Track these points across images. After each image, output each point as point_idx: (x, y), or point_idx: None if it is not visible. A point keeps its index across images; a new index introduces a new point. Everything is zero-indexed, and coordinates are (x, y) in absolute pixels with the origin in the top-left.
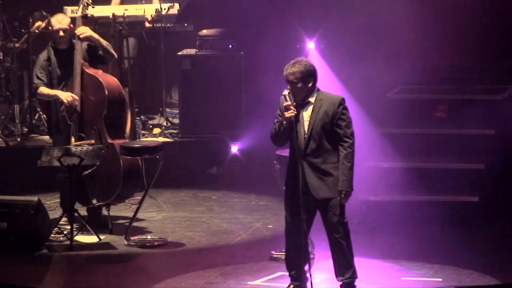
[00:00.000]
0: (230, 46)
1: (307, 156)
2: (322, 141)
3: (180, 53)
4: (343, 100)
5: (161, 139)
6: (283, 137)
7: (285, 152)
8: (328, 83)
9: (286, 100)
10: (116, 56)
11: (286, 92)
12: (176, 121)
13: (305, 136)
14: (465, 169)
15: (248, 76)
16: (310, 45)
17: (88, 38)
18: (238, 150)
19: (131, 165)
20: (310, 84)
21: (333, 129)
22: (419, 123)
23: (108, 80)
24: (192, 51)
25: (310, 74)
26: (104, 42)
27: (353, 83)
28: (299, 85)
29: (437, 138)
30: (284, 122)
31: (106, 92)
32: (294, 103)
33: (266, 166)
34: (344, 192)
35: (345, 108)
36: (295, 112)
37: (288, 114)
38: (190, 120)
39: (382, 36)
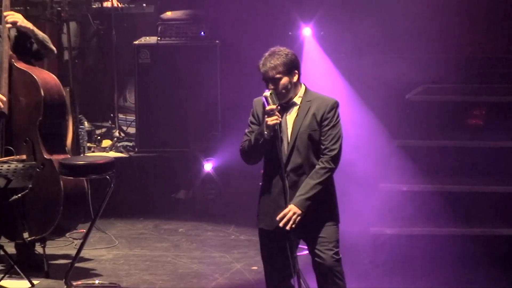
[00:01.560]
0: (202, 33)
1: (289, 174)
2: (308, 154)
3: (136, 42)
4: (336, 103)
5: (113, 154)
6: (260, 151)
7: None
8: (329, 81)
9: (267, 104)
10: (55, 52)
11: (267, 93)
12: (132, 130)
13: (288, 147)
14: (508, 193)
15: (225, 73)
16: (306, 31)
17: (19, 26)
18: (212, 168)
19: (74, 188)
20: (295, 78)
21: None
22: (449, 133)
23: (45, 77)
24: (152, 39)
25: (294, 65)
26: (40, 34)
27: (362, 80)
28: (284, 81)
29: (471, 152)
30: (265, 132)
31: (42, 93)
32: (279, 107)
33: (249, 189)
34: (294, 211)
35: (337, 115)
36: (280, 119)
37: (271, 121)
38: (149, 130)
39: (399, 20)
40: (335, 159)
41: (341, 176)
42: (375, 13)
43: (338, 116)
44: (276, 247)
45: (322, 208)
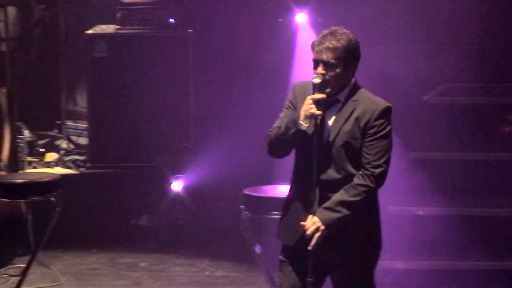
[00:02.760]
0: (171, 20)
1: (320, 187)
2: (345, 166)
3: (90, 31)
4: (388, 109)
5: (59, 171)
6: (288, 144)
7: (257, 191)
8: None
9: (314, 91)
10: None
11: (317, 79)
12: (83, 141)
13: (315, 153)
14: None
15: (199, 69)
16: (300, 18)
17: None
18: (182, 188)
19: (10, 212)
20: (351, 73)
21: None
22: (477, 144)
23: None
24: (109, 28)
25: (356, 56)
26: None
27: (368, 78)
28: (339, 70)
29: (505, 167)
30: (302, 123)
31: None
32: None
33: (228, 213)
34: (318, 225)
35: (387, 124)
36: (323, 113)
37: (316, 111)
38: (105, 140)
39: (415, 4)
40: (379, 178)
41: None
42: None
43: (388, 125)
44: (298, 269)
45: (361, 235)
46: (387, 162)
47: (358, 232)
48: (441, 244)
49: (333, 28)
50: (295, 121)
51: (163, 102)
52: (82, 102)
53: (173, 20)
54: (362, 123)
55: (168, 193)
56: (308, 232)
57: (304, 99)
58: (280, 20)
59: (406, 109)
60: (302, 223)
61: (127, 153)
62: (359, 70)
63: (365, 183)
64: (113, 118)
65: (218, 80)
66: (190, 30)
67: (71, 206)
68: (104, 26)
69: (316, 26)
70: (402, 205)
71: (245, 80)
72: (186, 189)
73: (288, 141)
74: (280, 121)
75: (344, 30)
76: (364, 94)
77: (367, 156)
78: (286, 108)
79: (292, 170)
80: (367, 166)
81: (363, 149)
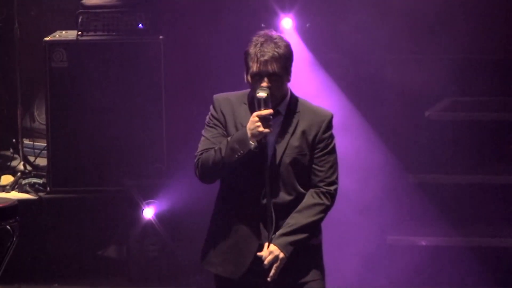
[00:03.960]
0: (141, 25)
1: (269, 213)
2: (294, 185)
3: (48, 38)
4: (332, 118)
5: (15, 195)
6: (229, 168)
7: None
8: (316, 89)
9: (260, 108)
10: None
11: (264, 94)
12: (43, 162)
13: (267, 173)
14: None
15: (172, 80)
16: (286, 23)
17: None
18: (155, 214)
19: None
20: (288, 81)
21: (311, 166)
22: (485, 165)
23: None
24: (70, 34)
25: (291, 61)
26: None
27: (362, 90)
28: (283, 80)
29: None
30: (252, 143)
31: None
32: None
33: None
34: (276, 254)
35: (333, 136)
36: (271, 130)
37: (265, 129)
38: (67, 161)
39: (415, 7)
40: (335, 195)
41: (332, 224)
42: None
43: (334, 137)
44: None
45: (307, 255)
46: (338, 178)
47: (302, 259)
48: (447, 279)
49: (266, 33)
50: (243, 142)
51: (132, 117)
52: (40, 118)
53: (142, 25)
54: (310, 137)
55: (139, 221)
56: (266, 262)
57: (233, 115)
58: (263, 25)
59: (406, 126)
60: (260, 253)
61: (92, 175)
62: (353, 81)
63: (321, 201)
64: (76, 136)
65: (194, 93)
66: (161, 37)
67: (29, 235)
68: (64, 32)
69: (303, 32)
70: (401, 234)
71: (221, 90)
72: (159, 216)
73: (230, 164)
74: (208, 142)
75: (278, 34)
76: (304, 104)
77: (319, 173)
78: (212, 127)
79: (220, 192)
80: (321, 184)
81: (314, 165)
